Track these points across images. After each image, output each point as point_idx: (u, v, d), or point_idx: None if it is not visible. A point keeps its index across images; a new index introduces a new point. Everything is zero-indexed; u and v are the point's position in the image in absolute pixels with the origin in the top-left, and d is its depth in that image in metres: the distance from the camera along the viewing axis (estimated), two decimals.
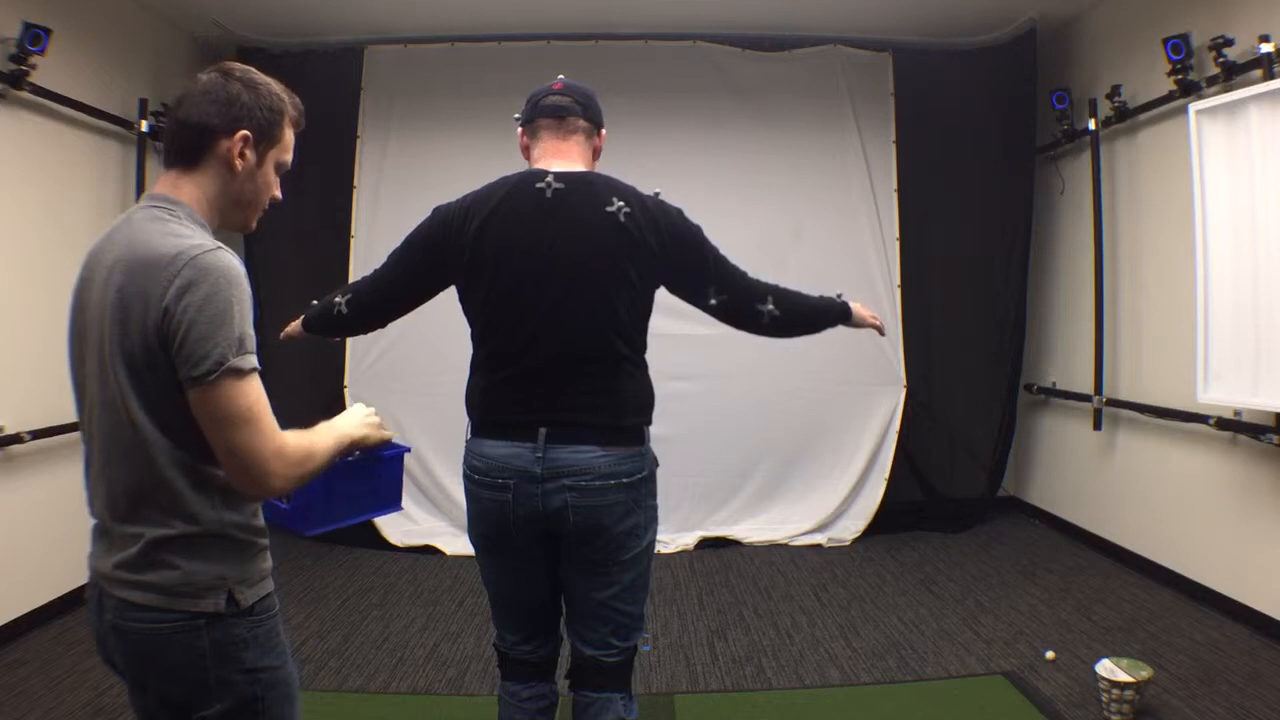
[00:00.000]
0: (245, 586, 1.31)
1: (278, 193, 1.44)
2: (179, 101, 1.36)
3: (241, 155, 1.35)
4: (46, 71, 3.53)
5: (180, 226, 1.28)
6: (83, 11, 3.91)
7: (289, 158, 1.44)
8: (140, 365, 1.23)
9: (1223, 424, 3.63)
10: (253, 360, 1.23)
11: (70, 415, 3.85)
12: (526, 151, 1.98)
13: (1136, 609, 3.77)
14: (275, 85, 1.41)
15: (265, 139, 1.38)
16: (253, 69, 1.40)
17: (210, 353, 1.19)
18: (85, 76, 3.92)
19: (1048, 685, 3.05)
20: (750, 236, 4.54)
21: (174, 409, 1.23)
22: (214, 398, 1.20)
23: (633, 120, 4.67)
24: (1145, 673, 2.75)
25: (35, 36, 3.39)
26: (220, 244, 1.27)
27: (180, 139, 1.35)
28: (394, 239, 2.01)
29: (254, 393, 1.23)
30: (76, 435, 4.14)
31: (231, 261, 1.25)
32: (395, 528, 4.76)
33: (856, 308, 2.16)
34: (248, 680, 1.30)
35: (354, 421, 1.46)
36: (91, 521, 1.36)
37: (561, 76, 2.00)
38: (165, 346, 1.21)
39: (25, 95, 3.50)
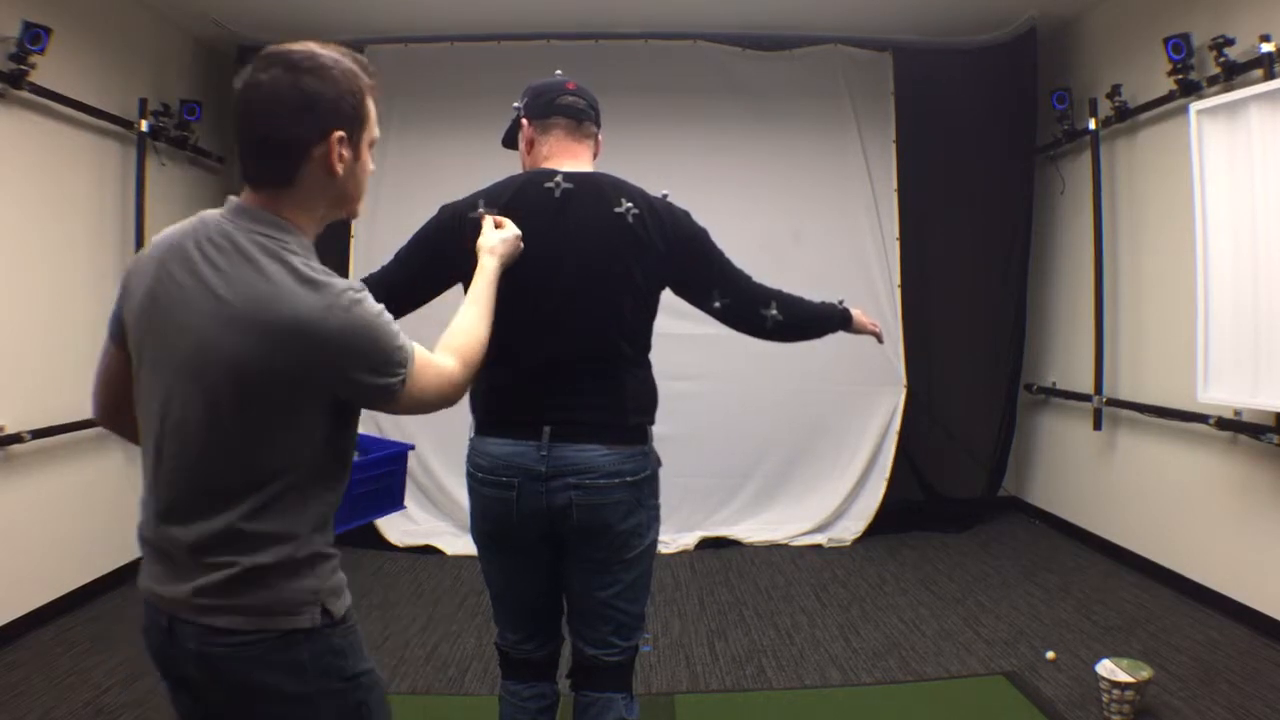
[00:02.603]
0: (335, 597, 1.28)
1: (373, 167, 1.35)
2: (246, 114, 1.22)
3: (340, 157, 1.25)
4: (46, 71, 3.53)
5: (302, 264, 1.21)
6: (83, 11, 3.91)
7: (378, 131, 1.32)
8: (281, 403, 1.21)
9: (1223, 424, 3.63)
10: (407, 354, 1.29)
11: (70, 415, 3.89)
12: (531, 145, 1.96)
13: (1136, 609, 3.77)
14: (344, 58, 1.26)
15: (357, 127, 1.27)
16: (314, 47, 1.24)
17: (390, 377, 1.27)
18: (85, 76, 3.91)
19: (1048, 685, 3.05)
20: (750, 236, 4.52)
21: (310, 437, 1.24)
22: (405, 400, 1.31)
23: (633, 120, 4.67)
24: (1145, 673, 2.75)
25: (35, 36, 3.39)
26: (352, 285, 1.23)
27: (267, 161, 1.24)
28: (394, 238, 2.00)
29: (420, 376, 1.32)
30: (77, 435, 4.09)
31: (370, 305, 1.24)
32: (395, 528, 4.76)
33: (857, 315, 2.17)
34: (351, 687, 1.28)
35: (494, 242, 1.72)
36: (137, 537, 1.30)
37: (559, 72, 2.00)
38: (317, 389, 1.23)
39: (25, 95, 3.50)
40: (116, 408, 1.39)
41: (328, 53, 1.25)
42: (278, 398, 1.20)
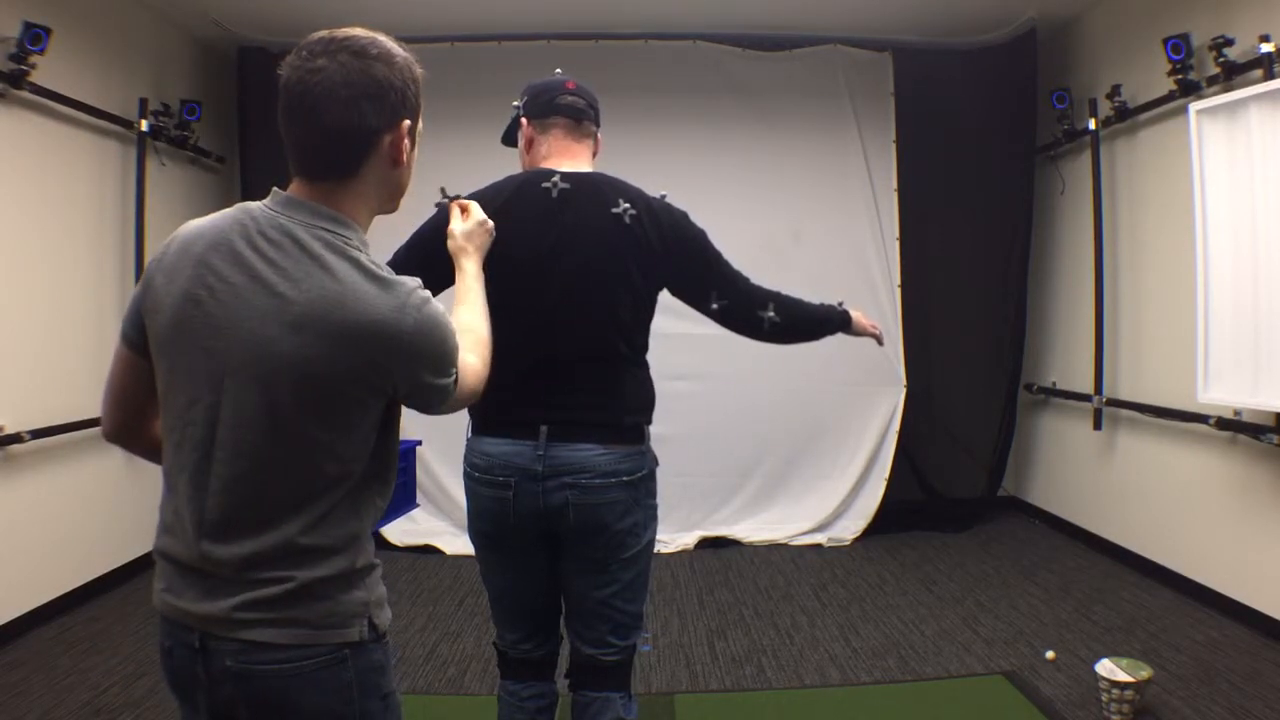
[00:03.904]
0: (380, 609, 1.23)
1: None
2: (310, 102, 1.14)
3: (406, 147, 1.22)
4: (46, 71, 3.53)
5: (368, 261, 1.17)
6: (83, 11, 3.91)
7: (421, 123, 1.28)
8: (347, 406, 1.16)
9: (1223, 424, 3.63)
10: (458, 354, 1.28)
11: (70, 415, 3.89)
12: (530, 144, 1.96)
13: (1136, 609, 3.76)
14: (395, 44, 1.21)
15: (417, 118, 1.23)
16: (373, 33, 1.19)
17: (448, 377, 1.26)
18: (85, 76, 3.91)
19: (1048, 685, 3.05)
20: (750, 236, 4.53)
21: (366, 441, 1.20)
22: (452, 401, 1.30)
23: (633, 120, 4.67)
24: (1145, 673, 2.75)
25: (35, 36, 3.39)
26: (417, 283, 1.20)
27: (333, 151, 1.17)
28: (393, 238, 2.00)
29: (460, 380, 1.29)
30: (77, 435, 4.07)
31: (437, 304, 1.22)
32: (395, 527, 4.75)
33: (857, 316, 2.15)
34: (383, 708, 1.23)
35: (462, 241, 1.70)
36: (157, 549, 1.22)
37: (559, 70, 2.00)
38: (385, 392, 1.20)
39: (25, 95, 3.50)
40: (134, 423, 1.29)
41: (387, 40, 1.20)
42: (344, 400, 1.15)
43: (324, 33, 1.18)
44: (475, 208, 1.77)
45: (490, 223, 1.77)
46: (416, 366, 1.20)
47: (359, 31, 1.19)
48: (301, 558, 1.15)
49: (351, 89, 1.14)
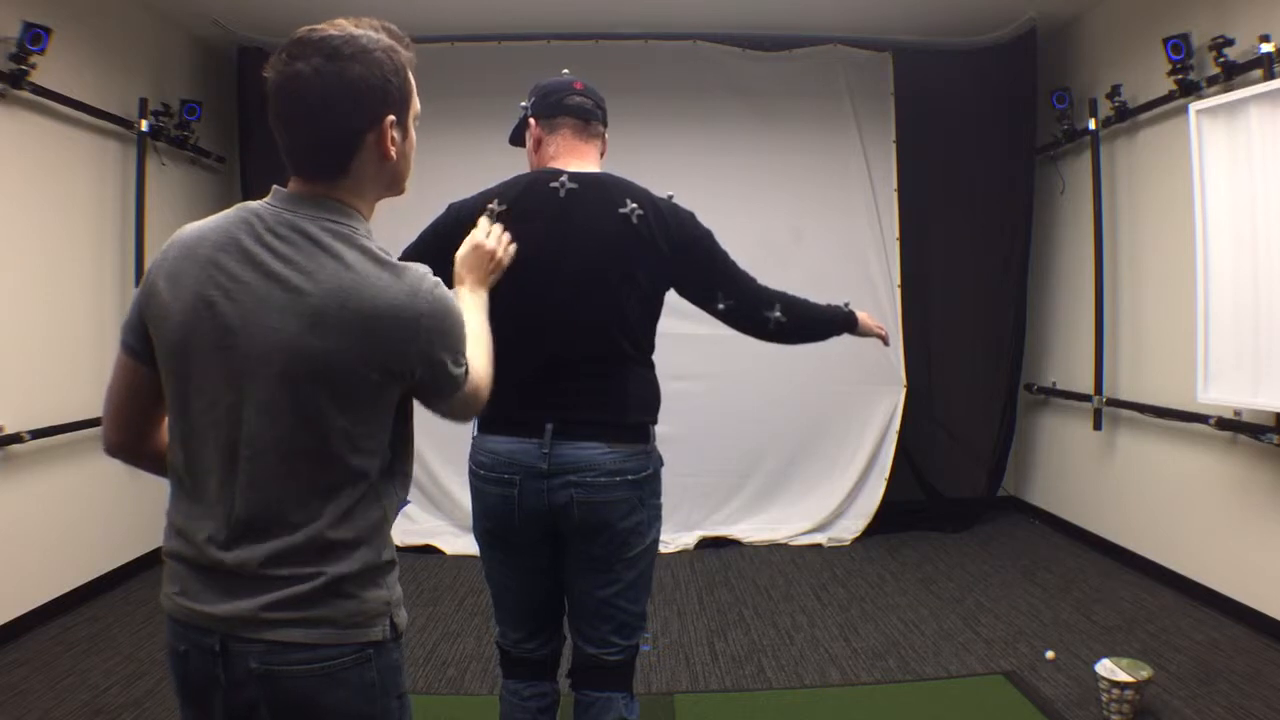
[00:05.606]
0: (399, 609, 1.24)
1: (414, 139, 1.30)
2: (290, 108, 1.15)
3: (392, 140, 1.20)
4: (46, 71, 3.53)
5: (376, 249, 1.18)
6: (83, 11, 3.91)
7: (419, 104, 1.27)
8: (368, 395, 1.16)
9: (1223, 424, 3.63)
10: (466, 351, 1.29)
11: (70, 415, 3.88)
12: (538, 144, 1.97)
13: (1136, 609, 3.77)
14: (382, 34, 1.20)
15: (404, 107, 1.22)
16: (349, 27, 1.17)
17: (460, 366, 1.27)
18: (85, 76, 3.91)
19: (1048, 685, 3.05)
20: (750, 236, 4.52)
21: (387, 430, 1.21)
22: (463, 393, 1.30)
23: (633, 120, 4.65)
24: (1145, 673, 2.75)
25: (35, 36, 3.39)
26: (427, 268, 1.21)
27: (319, 155, 1.18)
28: (393, 239, 1.99)
29: (470, 373, 1.31)
30: (77, 435, 4.07)
31: (446, 289, 1.23)
32: (395, 527, 4.73)
33: (863, 317, 2.16)
34: (400, 707, 1.24)
35: (457, 267, 1.66)
36: (173, 550, 1.20)
37: (566, 71, 2.00)
38: (404, 377, 1.20)
39: (25, 95, 3.49)
40: (140, 434, 1.26)
41: (365, 32, 1.18)
42: (365, 387, 1.15)
43: (302, 31, 1.17)
44: (481, 234, 1.71)
45: (499, 253, 1.70)
46: (434, 347, 1.21)
47: (334, 30, 1.17)
48: (330, 552, 1.15)
49: (328, 94, 1.14)
